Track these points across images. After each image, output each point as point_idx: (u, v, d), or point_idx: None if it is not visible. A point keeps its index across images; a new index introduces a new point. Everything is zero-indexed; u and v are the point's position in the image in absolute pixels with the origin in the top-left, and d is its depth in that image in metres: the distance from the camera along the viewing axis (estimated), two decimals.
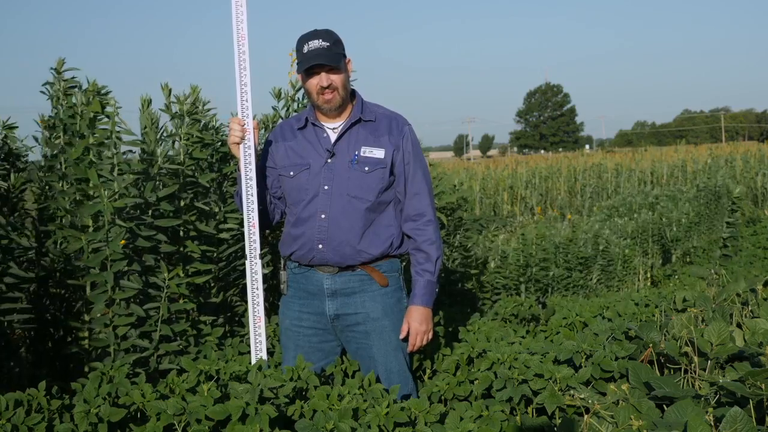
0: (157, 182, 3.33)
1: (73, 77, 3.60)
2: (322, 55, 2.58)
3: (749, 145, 30.14)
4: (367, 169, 2.67)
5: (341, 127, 2.71)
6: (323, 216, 2.66)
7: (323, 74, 2.61)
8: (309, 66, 2.59)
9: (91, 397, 2.24)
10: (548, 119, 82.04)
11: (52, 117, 3.69)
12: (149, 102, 3.41)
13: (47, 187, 3.61)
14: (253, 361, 2.65)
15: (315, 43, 2.60)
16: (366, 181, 2.66)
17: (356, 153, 2.68)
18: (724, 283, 3.67)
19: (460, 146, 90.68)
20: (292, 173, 2.73)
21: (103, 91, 3.21)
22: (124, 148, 3.33)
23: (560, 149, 65.55)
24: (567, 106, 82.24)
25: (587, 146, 60.56)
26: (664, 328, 2.81)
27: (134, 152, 3.52)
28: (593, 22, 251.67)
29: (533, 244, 6.93)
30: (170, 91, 3.43)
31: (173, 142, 3.41)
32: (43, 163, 3.81)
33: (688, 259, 9.68)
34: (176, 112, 3.36)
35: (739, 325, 2.83)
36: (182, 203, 3.37)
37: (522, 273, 6.65)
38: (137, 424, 2.19)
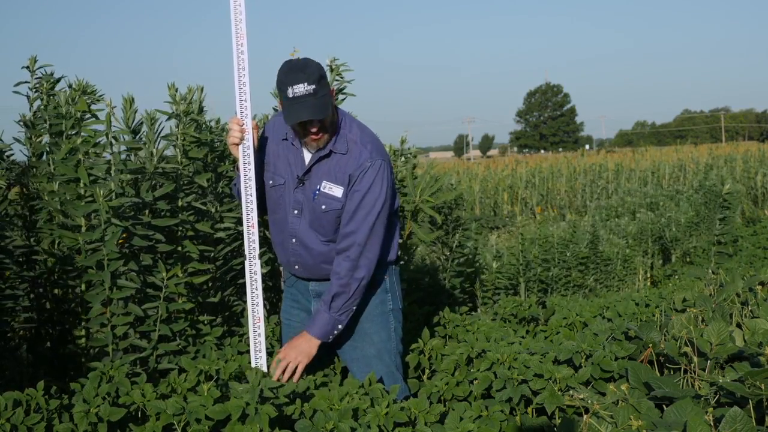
0: (154, 182, 3.32)
1: (62, 77, 3.61)
2: (309, 106, 2.47)
3: (749, 145, 30.14)
4: (324, 208, 2.63)
5: (312, 157, 2.65)
6: (294, 240, 2.71)
7: (313, 124, 2.54)
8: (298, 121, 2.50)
9: (90, 397, 2.24)
10: (548, 119, 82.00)
11: (31, 116, 3.70)
12: (131, 101, 3.40)
13: (37, 187, 3.59)
14: (253, 361, 2.65)
15: (300, 89, 2.46)
16: (324, 219, 2.65)
17: (318, 187, 2.64)
18: (722, 283, 3.67)
19: (460, 146, 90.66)
20: (271, 182, 2.74)
21: (89, 90, 3.20)
22: (121, 147, 3.32)
23: (560, 149, 65.57)
24: (567, 106, 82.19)
25: (587, 146, 60.42)
26: (663, 328, 2.81)
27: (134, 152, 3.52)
28: (593, 22, 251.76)
29: (536, 244, 6.93)
30: (176, 90, 3.42)
31: (175, 142, 3.40)
32: (27, 163, 3.80)
33: (688, 259, 9.67)
34: (173, 112, 3.36)
35: (738, 325, 2.83)
36: (180, 203, 3.37)
37: (522, 273, 6.65)
38: (137, 424, 2.19)
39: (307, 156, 2.68)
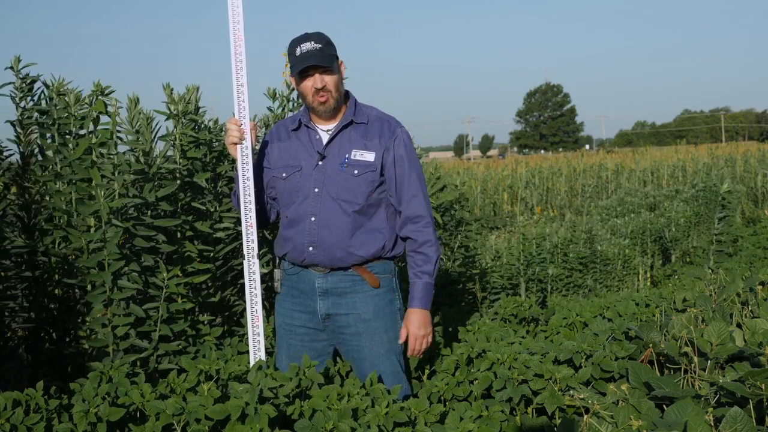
0: (156, 182, 3.33)
1: (39, 76, 3.62)
2: (315, 56, 2.58)
3: (749, 145, 30.15)
4: (356, 172, 2.65)
5: (333, 129, 2.71)
6: (313, 219, 2.67)
7: (317, 76, 2.60)
8: (303, 68, 2.58)
9: (90, 397, 2.24)
10: (548, 119, 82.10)
11: (18, 116, 3.71)
12: (137, 101, 3.41)
13: (44, 187, 3.60)
14: (252, 361, 2.65)
15: (307, 45, 2.59)
16: (355, 184, 2.65)
17: (346, 156, 2.67)
18: (722, 283, 3.67)
19: (460, 146, 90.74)
20: (284, 175, 2.73)
21: (107, 92, 3.22)
22: (122, 148, 3.33)
23: (560, 149, 65.61)
24: (567, 106, 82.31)
25: (587, 146, 60.58)
26: (664, 328, 2.81)
27: (134, 152, 3.52)
28: (593, 22, 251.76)
29: (534, 244, 6.93)
30: (171, 90, 3.43)
31: (173, 142, 3.40)
32: (20, 164, 3.81)
33: (687, 259, 9.68)
34: (172, 112, 3.36)
35: (739, 325, 2.83)
36: (180, 203, 3.37)
37: (522, 272, 6.65)
38: (136, 424, 2.19)
39: (324, 135, 2.72)
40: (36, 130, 3.64)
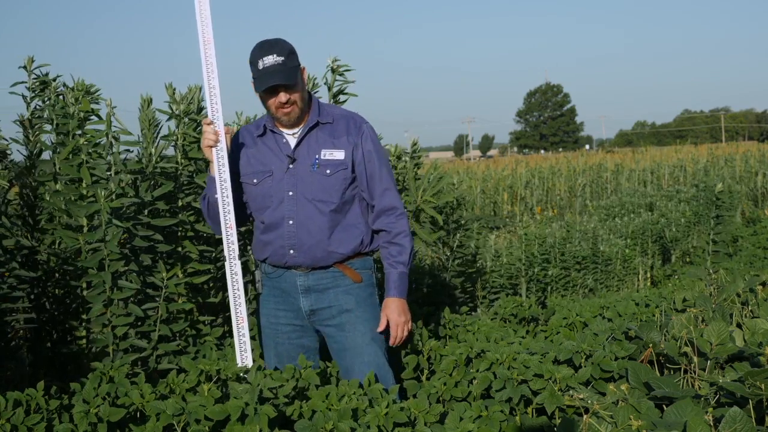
0: (154, 182, 3.32)
1: (57, 76, 3.61)
2: (278, 72, 2.56)
3: (749, 145, 30.17)
4: (328, 171, 2.67)
5: (300, 132, 2.71)
6: (291, 222, 2.68)
7: (281, 93, 2.60)
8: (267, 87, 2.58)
9: (90, 397, 2.24)
10: (548, 119, 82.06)
11: (29, 115, 3.71)
12: (149, 101, 3.40)
13: (44, 186, 3.60)
14: (239, 362, 2.64)
15: (270, 59, 2.56)
16: (329, 184, 2.67)
17: (317, 157, 2.68)
18: (722, 283, 3.67)
19: (460, 146, 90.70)
20: (255, 180, 2.73)
21: (92, 90, 3.21)
22: (121, 147, 3.33)
23: (560, 149, 65.53)
24: (567, 106, 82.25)
25: (587, 146, 60.55)
26: (664, 328, 2.81)
27: (132, 152, 3.52)
28: (593, 22, 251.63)
29: (535, 244, 6.93)
30: (174, 90, 3.43)
31: (174, 142, 3.40)
32: (26, 163, 3.81)
33: (687, 259, 9.68)
34: (173, 112, 3.36)
35: (739, 325, 2.83)
36: (180, 203, 3.37)
37: (523, 273, 6.65)
38: (137, 424, 2.19)
39: (290, 139, 2.73)
40: (44, 130, 3.65)
